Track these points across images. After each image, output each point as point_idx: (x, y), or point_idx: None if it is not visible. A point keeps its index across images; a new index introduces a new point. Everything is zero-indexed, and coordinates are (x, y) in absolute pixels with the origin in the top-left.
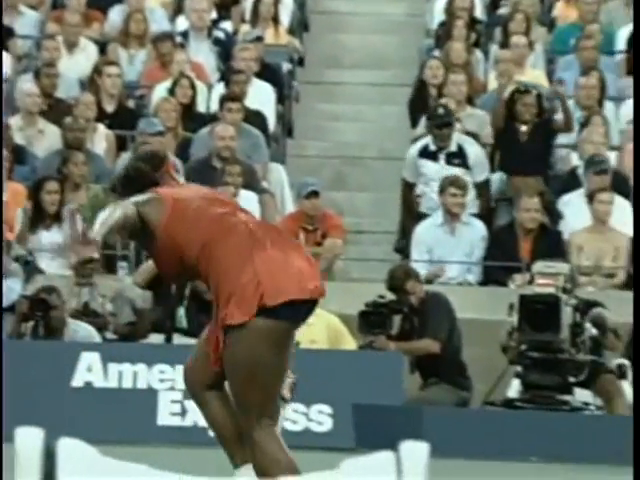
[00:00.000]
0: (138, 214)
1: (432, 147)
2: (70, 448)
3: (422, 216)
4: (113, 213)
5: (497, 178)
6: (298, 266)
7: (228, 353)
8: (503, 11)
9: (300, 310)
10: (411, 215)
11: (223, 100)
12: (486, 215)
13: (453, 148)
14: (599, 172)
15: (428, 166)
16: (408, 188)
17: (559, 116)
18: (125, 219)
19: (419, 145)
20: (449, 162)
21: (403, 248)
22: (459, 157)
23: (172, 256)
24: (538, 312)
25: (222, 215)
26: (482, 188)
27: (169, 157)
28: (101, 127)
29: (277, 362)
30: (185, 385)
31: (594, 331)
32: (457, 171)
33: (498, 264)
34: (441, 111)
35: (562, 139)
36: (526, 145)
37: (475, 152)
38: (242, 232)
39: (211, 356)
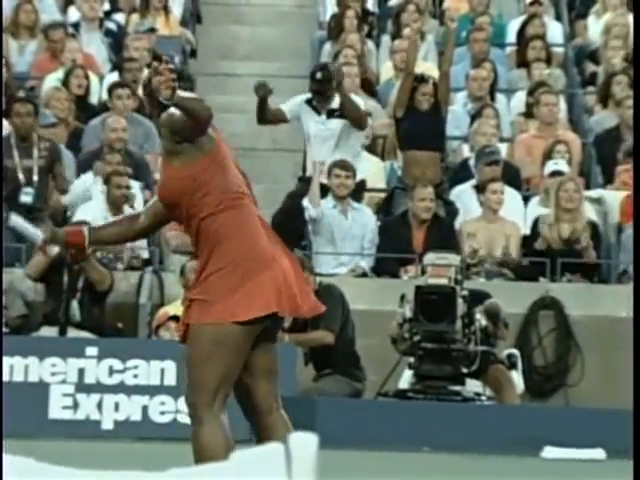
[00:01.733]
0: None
1: (315, 103)
2: None
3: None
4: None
5: (395, 166)
6: (290, 283)
7: (198, 327)
8: (394, 3)
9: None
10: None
11: (112, 87)
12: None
13: (335, 105)
14: (490, 163)
15: (310, 114)
16: (277, 116)
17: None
18: (200, 113)
19: (306, 96)
20: (330, 116)
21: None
22: (340, 110)
23: (185, 187)
24: (434, 303)
25: (245, 194)
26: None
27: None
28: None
29: (243, 344)
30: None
31: (484, 322)
32: (337, 122)
33: (391, 256)
34: (319, 76)
35: (454, 131)
36: (425, 122)
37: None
38: (256, 229)
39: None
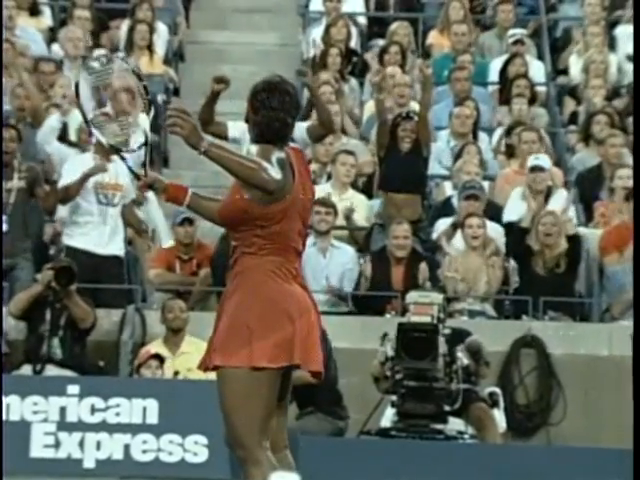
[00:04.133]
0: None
1: None
2: None
3: None
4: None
5: (375, 203)
6: (316, 342)
7: (231, 370)
8: (378, 42)
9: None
10: None
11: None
12: None
13: None
14: (468, 197)
15: None
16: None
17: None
18: (264, 182)
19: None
20: None
21: None
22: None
23: (244, 221)
24: (416, 340)
25: (292, 247)
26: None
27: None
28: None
29: (276, 383)
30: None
31: (466, 361)
32: None
33: (372, 294)
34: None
35: (437, 169)
36: (405, 164)
37: (299, 132)
38: (290, 280)
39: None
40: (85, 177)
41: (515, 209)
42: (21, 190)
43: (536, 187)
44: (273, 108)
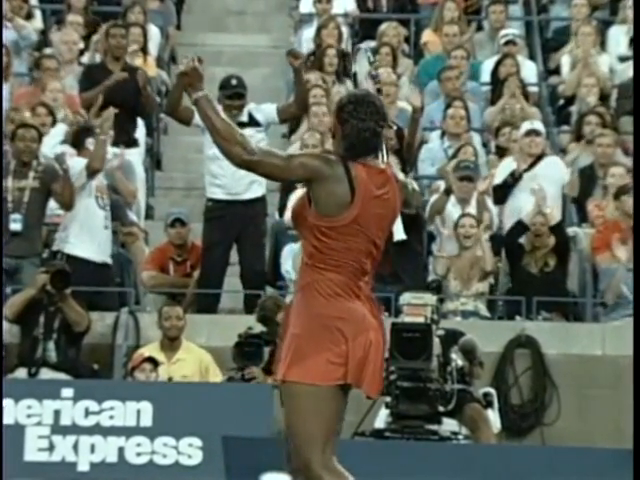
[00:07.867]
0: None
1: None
2: None
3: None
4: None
5: None
6: (374, 363)
7: (297, 385)
8: (369, 44)
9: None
10: None
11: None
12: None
13: (244, 118)
14: (462, 178)
15: None
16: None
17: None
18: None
19: None
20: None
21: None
22: (250, 125)
23: (304, 228)
24: (410, 340)
25: (351, 266)
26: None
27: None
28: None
29: (340, 400)
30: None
31: (460, 362)
32: (248, 131)
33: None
34: (234, 82)
35: (430, 169)
36: None
37: (265, 114)
38: (351, 297)
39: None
40: (108, 119)
41: (505, 171)
42: (34, 190)
43: (530, 151)
44: (361, 119)
